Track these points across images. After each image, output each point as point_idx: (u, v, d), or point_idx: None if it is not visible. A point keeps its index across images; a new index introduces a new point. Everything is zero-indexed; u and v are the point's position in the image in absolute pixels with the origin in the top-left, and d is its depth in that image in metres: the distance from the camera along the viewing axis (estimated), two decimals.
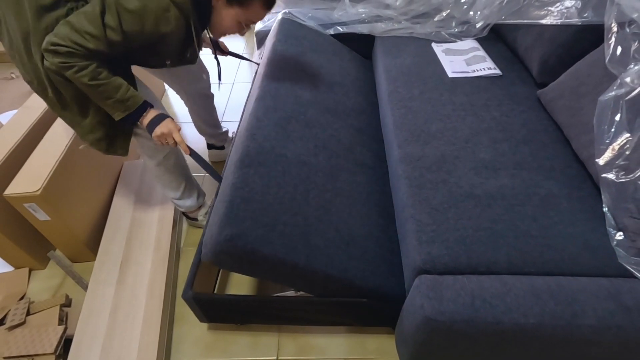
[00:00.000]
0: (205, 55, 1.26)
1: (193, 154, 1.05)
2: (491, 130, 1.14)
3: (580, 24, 1.11)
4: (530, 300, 0.75)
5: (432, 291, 0.78)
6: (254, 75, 1.41)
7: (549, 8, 1.20)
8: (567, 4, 1.15)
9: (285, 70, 1.36)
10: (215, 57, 1.24)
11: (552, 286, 0.78)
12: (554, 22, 1.17)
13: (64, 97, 0.95)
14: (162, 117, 1.00)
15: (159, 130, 0.98)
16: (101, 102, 0.93)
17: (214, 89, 1.48)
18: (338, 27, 1.69)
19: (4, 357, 1.03)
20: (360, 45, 1.76)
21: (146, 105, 0.98)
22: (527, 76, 1.34)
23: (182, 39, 0.94)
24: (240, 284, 1.26)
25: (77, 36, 0.82)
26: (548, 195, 0.96)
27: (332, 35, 1.69)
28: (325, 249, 0.93)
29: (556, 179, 0.99)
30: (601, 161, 0.88)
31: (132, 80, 1.02)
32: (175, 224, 1.38)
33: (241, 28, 1.02)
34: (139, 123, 0.99)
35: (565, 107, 1.08)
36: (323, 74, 1.45)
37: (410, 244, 0.92)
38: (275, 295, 1.08)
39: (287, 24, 1.61)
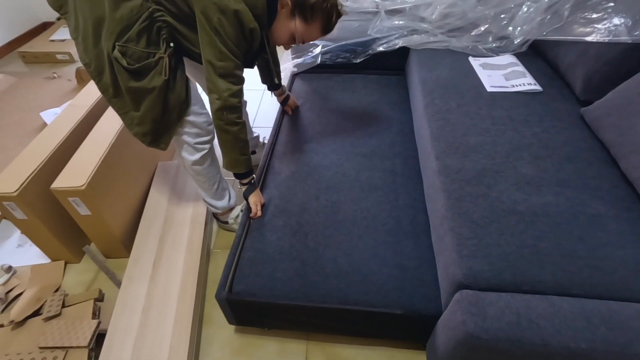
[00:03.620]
0: None
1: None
2: (532, 146, 1.11)
3: (630, 42, 1.08)
4: (580, 323, 0.72)
5: (474, 307, 0.76)
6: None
7: (596, 25, 1.18)
8: (616, 21, 1.12)
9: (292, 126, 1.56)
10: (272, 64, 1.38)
11: (603, 310, 0.74)
12: (601, 39, 1.14)
13: (120, 87, 0.96)
14: (254, 186, 1.21)
15: (253, 197, 1.20)
16: (236, 154, 1.08)
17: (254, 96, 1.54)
18: (372, 47, 1.72)
19: (40, 347, 1.05)
20: (393, 59, 1.77)
21: (252, 170, 1.18)
22: (569, 93, 1.32)
23: (257, 49, 1.00)
24: None
25: (230, 82, 0.96)
26: (595, 215, 0.92)
27: (364, 54, 1.75)
28: (323, 283, 1.02)
29: (603, 199, 0.96)
30: None
31: (187, 81, 1.06)
32: (207, 225, 1.39)
33: (291, 42, 1.05)
34: (240, 182, 1.19)
35: (613, 125, 1.05)
36: (331, 115, 1.61)
37: (449, 257, 0.90)
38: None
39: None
